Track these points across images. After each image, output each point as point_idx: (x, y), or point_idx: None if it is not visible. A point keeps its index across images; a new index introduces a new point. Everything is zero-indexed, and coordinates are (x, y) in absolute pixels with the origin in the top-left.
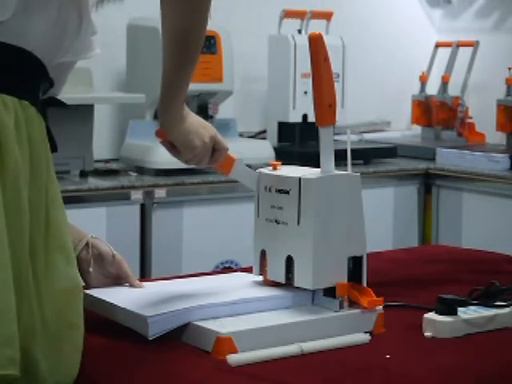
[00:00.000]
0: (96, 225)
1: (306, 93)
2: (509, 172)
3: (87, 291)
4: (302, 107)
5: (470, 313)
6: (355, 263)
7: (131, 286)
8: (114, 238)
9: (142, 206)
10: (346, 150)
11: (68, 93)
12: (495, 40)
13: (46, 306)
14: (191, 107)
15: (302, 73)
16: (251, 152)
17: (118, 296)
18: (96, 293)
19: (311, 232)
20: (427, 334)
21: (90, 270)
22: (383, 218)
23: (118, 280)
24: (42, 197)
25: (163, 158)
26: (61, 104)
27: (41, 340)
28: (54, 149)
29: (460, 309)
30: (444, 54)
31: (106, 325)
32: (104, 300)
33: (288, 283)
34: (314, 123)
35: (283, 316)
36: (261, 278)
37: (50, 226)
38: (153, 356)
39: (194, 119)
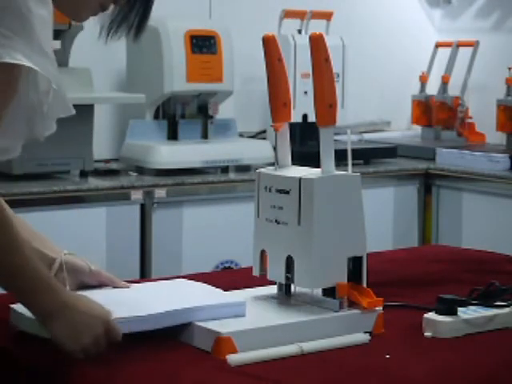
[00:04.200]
0: (96, 225)
1: (306, 93)
2: (509, 172)
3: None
4: (302, 107)
5: (470, 313)
6: (355, 263)
7: (118, 287)
8: (114, 238)
9: (142, 206)
10: (345, 150)
11: (68, 93)
12: (495, 40)
13: None
14: (191, 107)
15: (302, 73)
16: (251, 152)
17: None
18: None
19: (311, 232)
20: (427, 333)
21: (67, 288)
22: (383, 218)
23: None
24: None
25: (163, 157)
26: None
27: None
28: None
29: (460, 309)
30: (444, 54)
31: None
32: None
33: (288, 284)
34: (314, 123)
35: (283, 316)
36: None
37: None
38: (152, 356)
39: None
